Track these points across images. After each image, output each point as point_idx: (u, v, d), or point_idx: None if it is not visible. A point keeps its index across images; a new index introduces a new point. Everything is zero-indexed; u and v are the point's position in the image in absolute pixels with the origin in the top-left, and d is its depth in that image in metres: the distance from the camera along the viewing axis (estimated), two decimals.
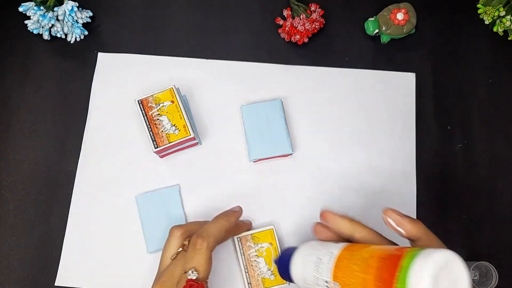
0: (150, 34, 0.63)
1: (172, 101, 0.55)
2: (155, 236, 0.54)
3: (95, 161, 0.58)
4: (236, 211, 0.52)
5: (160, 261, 0.48)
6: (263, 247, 0.53)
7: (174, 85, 0.55)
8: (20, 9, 0.59)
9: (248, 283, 0.53)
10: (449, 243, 0.57)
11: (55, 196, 0.57)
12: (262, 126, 0.57)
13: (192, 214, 0.56)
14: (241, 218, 0.55)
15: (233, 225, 0.50)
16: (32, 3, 0.58)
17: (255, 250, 0.53)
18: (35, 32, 0.60)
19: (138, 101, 0.55)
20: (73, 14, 0.59)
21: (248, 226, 0.55)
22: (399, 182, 0.58)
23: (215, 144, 0.59)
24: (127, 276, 0.55)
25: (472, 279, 0.53)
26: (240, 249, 0.53)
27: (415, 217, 0.57)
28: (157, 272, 0.48)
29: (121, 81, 0.61)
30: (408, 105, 0.60)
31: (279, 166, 0.58)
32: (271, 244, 0.53)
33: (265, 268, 0.53)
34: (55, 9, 0.58)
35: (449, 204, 0.58)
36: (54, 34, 0.60)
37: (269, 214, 0.56)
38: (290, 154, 0.58)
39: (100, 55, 0.61)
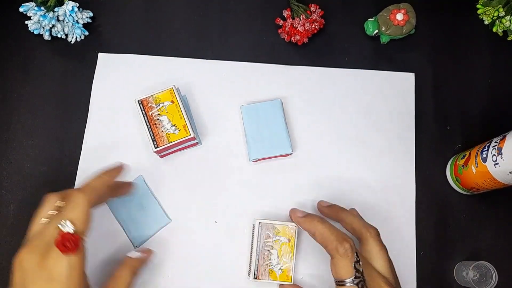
0: (150, 34, 0.63)
1: (172, 101, 0.55)
2: (138, 229, 0.55)
3: (95, 161, 0.58)
4: (118, 167, 0.49)
5: (29, 228, 0.43)
6: (281, 240, 0.53)
7: (174, 85, 0.55)
8: (21, 9, 0.59)
9: (255, 270, 0.52)
10: (449, 243, 0.58)
11: None
12: (262, 126, 0.57)
13: (192, 213, 0.56)
14: None
15: (112, 180, 0.48)
16: (32, 4, 0.59)
17: (272, 241, 0.53)
18: (35, 32, 0.60)
19: (138, 101, 0.55)
20: (73, 15, 0.59)
21: (130, 187, 0.54)
22: (398, 182, 0.58)
23: (215, 144, 0.59)
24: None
25: (472, 279, 0.53)
26: (259, 234, 0.53)
27: (414, 218, 0.57)
28: (26, 239, 0.43)
29: (121, 81, 0.61)
30: (407, 105, 0.61)
31: (279, 166, 0.58)
32: (289, 240, 0.53)
33: (276, 261, 0.53)
34: (56, 9, 0.58)
35: (449, 204, 0.58)
36: (54, 35, 0.61)
37: (268, 213, 0.56)
38: (290, 154, 0.58)
39: (101, 55, 0.61)
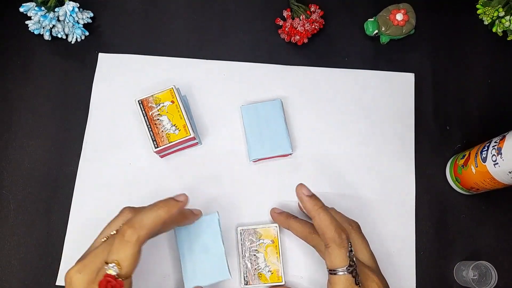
0: (151, 34, 0.63)
1: (172, 101, 0.55)
2: (194, 271, 0.51)
3: (95, 161, 0.58)
4: (180, 201, 0.45)
5: (96, 238, 0.44)
6: (265, 243, 0.53)
7: (174, 85, 0.55)
8: (21, 9, 0.59)
9: (244, 276, 0.53)
10: (449, 243, 0.58)
11: (56, 196, 0.57)
12: (262, 126, 0.57)
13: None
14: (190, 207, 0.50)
15: (173, 217, 0.44)
16: (33, 4, 0.59)
17: (257, 245, 0.53)
18: (36, 32, 0.60)
19: (138, 101, 0.55)
20: (74, 15, 0.59)
21: (196, 216, 0.51)
22: (398, 182, 0.58)
23: (215, 144, 0.59)
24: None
25: (472, 278, 0.53)
26: (242, 240, 0.54)
27: (414, 217, 0.57)
28: (87, 249, 0.44)
29: (121, 81, 0.61)
30: (407, 105, 0.61)
31: (279, 166, 0.58)
32: (273, 241, 0.54)
33: (263, 264, 0.53)
34: (56, 9, 0.58)
35: (449, 204, 0.58)
36: (55, 35, 0.61)
37: (268, 213, 0.56)
38: (290, 154, 0.58)
39: (101, 55, 0.61)
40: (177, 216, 0.48)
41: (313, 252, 0.49)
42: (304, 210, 0.55)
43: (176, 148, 0.57)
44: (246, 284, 0.53)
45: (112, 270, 0.38)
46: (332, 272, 0.44)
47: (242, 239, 0.54)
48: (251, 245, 0.53)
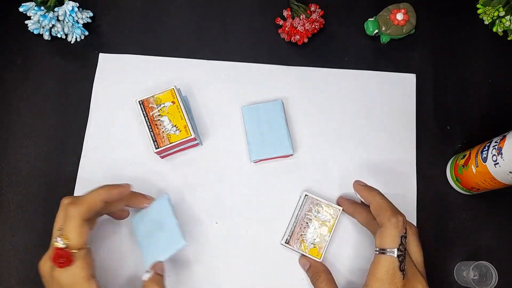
0: (151, 34, 0.63)
1: (173, 102, 0.55)
2: (152, 250, 0.51)
3: (95, 161, 0.58)
4: (121, 186, 0.48)
5: (53, 233, 0.47)
6: (321, 218, 0.55)
7: (175, 86, 0.55)
8: (21, 9, 0.59)
9: (288, 235, 0.54)
10: (449, 243, 0.58)
11: (55, 196, 0.56)
12: (263, 126, 0.57)
13: (192, 214, 0.56)
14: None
15: (115, 198, 0.47)
16: (32, 3, 0.58)
17: (313, 215, 0.55)
18: (35, 32, 0.60)
19: (139, 101, 0.55)
20: (73, 15, 0.59)
21: (148, 200, 0.52)
22: (399, 182, 0.58)
23: (216, 144, 0.59)
24: (127, 276, 0.55)
25: (472, 279, 0.53)
26: (302, 205, 0.55)
27: (415, 217, 0.57)
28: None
29: (122, 81, 0.61)
30: (408, 106, 0.61)
31: (280, 166, 0.58)
32: (329, 220, 0.54)
33: (310, 235, 0.54)
34: (56, 9, 0.58)
35: (449, 204, 0.58)
36: (54, 34, 0.60)
37: (269, 214, 0.56)
38: (291, 155, 0.58)
39: (102, 55, 0.61)
40: (127, 196, 0.50)
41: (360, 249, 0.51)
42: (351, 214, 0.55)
43: (176, 149, 0.57)
44: (286, 243, 0.54)
45: (59, 243, 0.43)
46: (379, 251, 0.43)
47: (303, 203, 0.55)
48: (308, 212, 0.54)
